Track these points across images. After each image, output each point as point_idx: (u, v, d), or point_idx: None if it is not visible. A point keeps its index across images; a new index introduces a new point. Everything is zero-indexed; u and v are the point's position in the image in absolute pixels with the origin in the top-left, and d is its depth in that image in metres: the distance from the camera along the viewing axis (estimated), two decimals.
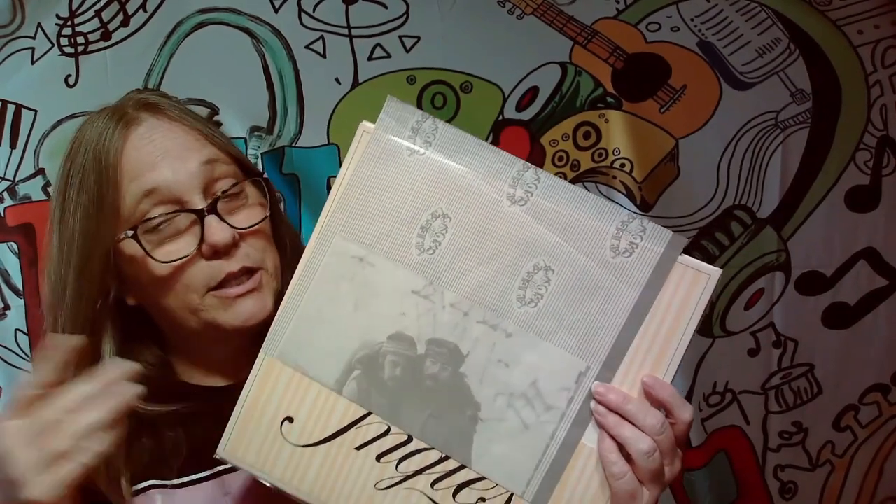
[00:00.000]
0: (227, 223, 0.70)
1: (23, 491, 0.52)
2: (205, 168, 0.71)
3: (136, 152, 0.71)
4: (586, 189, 1.12)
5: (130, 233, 0.69)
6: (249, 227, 0.72)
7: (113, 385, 0.56)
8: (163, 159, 0.70)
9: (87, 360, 0.71)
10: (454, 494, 0.63)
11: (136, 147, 0.71)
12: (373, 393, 0.64)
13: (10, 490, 0.53)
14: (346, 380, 0.64)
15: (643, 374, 0.61)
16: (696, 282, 0.60)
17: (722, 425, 1.18)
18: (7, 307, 1.13)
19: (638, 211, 1.10)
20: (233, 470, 0.72)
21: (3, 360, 1.15)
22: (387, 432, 0.63)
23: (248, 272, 0.71)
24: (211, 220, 0.69)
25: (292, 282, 0.65)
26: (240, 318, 0.71)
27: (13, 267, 1.13)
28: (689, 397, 1.16)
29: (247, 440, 0.65)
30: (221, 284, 0.71)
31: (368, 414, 0.64)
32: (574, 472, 0.61)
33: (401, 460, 0.63)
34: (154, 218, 0.69)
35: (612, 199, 1.12)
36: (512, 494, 0.62)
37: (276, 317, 0.65)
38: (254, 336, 0.71)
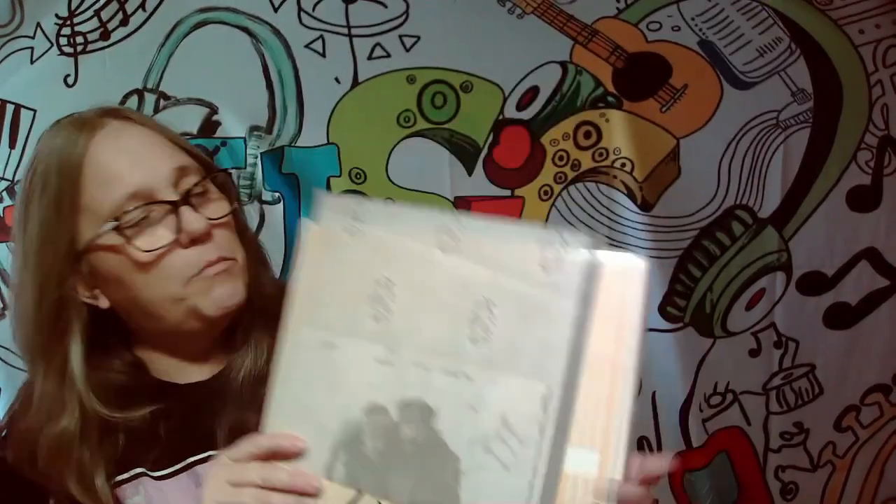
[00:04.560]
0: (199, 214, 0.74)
1: None
2: (176, 172, 0.74)
3: (105, 154, 0.73)
4: (587, 190, 1.12)
5: (110, 226, 0.71)
6: (219, 218, 0.75)
7: (302, 486, 0.64)
8: (136, 163, 0.73)
9: (56, 361, 0.73)
10: None
11: (104, 148, 0.73)
12: (360, 471, 0.65)
13: None
14: (333, 463, 0.65)
15: (603, 385, 0.60)
16: (627, 278, 0.60)
17: (723, 426, 1.18)
18: (7, 307, 1.13)
19: (638, 211, 1.10)
20: (205, 461, 0.74)
21: (2, 360, 1.15)
22: None
23: (223, 261, 0.74)
24: (185, 209, 0.72)
25: (273, 381, 0.67)
26: (216, 303, 0.73)
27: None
28: (689, 397, 1.16)
29: None
30: (201, 271, 0.73)
31: (360, 493, 0.65)
32: (565, 501, 0.61)
33: None
34: (133, 210, 0.72)
35: (612, 199, 1.12)
36: None
37: (266, 417, 0.67)
38: (225, 329, 0.76)
